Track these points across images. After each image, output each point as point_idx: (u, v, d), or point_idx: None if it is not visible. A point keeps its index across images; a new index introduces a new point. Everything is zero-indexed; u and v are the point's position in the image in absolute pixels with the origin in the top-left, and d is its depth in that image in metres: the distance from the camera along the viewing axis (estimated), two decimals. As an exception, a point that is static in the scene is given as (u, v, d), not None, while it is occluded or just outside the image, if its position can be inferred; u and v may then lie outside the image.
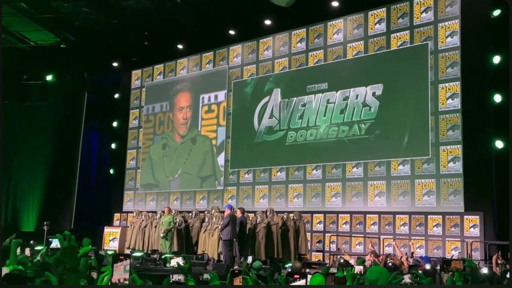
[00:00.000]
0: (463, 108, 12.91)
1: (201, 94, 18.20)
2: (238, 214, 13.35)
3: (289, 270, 7.18)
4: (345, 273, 4.43)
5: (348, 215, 14.43)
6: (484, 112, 12.68)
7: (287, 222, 13.64)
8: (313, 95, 15.40)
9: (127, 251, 15.76)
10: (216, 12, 15.83)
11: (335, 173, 14.80)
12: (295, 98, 15.79)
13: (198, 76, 18.48)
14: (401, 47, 14.14)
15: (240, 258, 12.89)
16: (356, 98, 14.60)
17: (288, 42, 16.27)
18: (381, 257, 11.43)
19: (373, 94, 14.32)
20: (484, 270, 7.49)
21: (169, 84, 19.18)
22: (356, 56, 14.92)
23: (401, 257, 11.04)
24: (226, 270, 10.69)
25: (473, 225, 12.41)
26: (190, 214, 15.35)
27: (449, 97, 13.16)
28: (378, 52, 14.50)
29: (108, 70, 20.06)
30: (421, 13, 13.91)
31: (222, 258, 13.12)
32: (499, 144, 12.40)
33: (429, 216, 13.13)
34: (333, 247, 14.07)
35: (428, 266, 8.34)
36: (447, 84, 13.25)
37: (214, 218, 13.90)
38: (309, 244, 14.22)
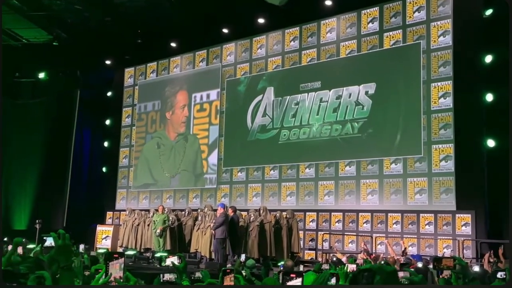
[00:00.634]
0: (455, 107, 12.97)
1: (193, 93, 18.20)
2: (230, 212, 13.38)
3: (281, 268, 7.20)
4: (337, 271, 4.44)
5: (341, 213, 14.48)
6: (476, 111, 12.75)
7: (280, 220, 13.66)
8: (306, 94, 15.43)
9: (120, 250, 15.74)
10: (209, 10, 15.81)
11: (328, 171, 14.84)
12: (288, 97, 15.81)
13: (191, 75, 18.46)
14: (393, 46, 14.19)
15: (233, 256, 12.91)
16: (349, 97, 14.64)
17: (282, 40, 16.29)
18: (373, 255, 11.49)
19: (366, 93, 14.37)
20: (476, 268, 7.55)
21: (162, 83, 19.15)
22: (349, 55, 14.95)
23: (395, 256, 11.09)
24: (219, 269, 10.72)
25: (464, 223, 12.48)
26: (183, 212, 15.34)
27: (441, 96, 13.22)
28: (371, 51, 14.54)
29: (101, 68, 19.99)
30: (414, 12, 13.96)
31: (214, 256, 13.13)
32: (491, 143, 12.47)
33: (421, 215, 13.19)
34: (326, 245, 14.12)
35: (420, 264, 8.39)
36: (439, 83, 13.31)
37: (207, 216, 13.89)
38: (301, 242, 14.26)
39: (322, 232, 14.37)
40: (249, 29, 16.68)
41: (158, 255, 12.48)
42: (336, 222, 14.53)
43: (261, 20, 16.20)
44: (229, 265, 11.00)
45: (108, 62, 19.56)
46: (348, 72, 14.92)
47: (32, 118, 20.86)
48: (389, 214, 13.66)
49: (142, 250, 15.05)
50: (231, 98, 17.18)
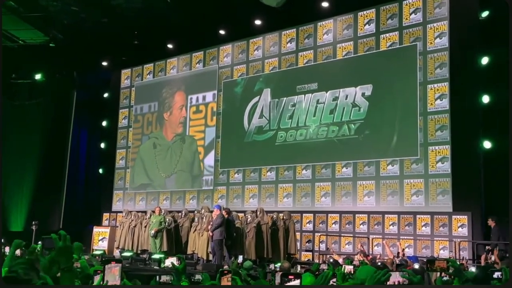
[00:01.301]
0: (451, 109, 13.01)
1: (190, 94, 18.21)
2: (224, 214, 13.31)
3: (278, 269, 7.21)
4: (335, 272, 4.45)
5: (338, 215, 14.49)
6: (472, 113, 12.78)
7: (277, 222, 13.66)
8: (303, 95, 15.45)
9: (116, 251, 15.72)
10: (206, 12, 15.81)
11: (324, 173, 14.86)
12: (285, 98, 15.82)
13: (188, 76, 18.46)
14: (390, 47, 14.23)
15: (230, 257, 12.90)
16: (346, 98, 14.66)
17: (278, 42, 16.31)
18: (369, 256, 11.51)
19: (363, 94, 14.39)
20: (472, 269, 7.56)
21: (159, 85, 19.14)
22: (345, 57, 14.98)
23: (392, 256, 11.11)
24: (216, 270, 10.71)
25: (461, 224, 12.51)
26: (180, 214, 15.33)
27: (438, 97, 13.26)
28: (367, 52, 14.57)
29: (98, 69, 19.97)
30: (410, 14, 14.00)
31: (211, 258, 13.12)
32: (487, 144, 12.51)
33: (417, 216, 13.22)
34: (323, 246, 14.13)
35: (416, 266, 8.40)
36: (435, 85, 13.35)
37: (204, 218, 13.88)
38: (298, 243, 14.25)
39: (319, 234, 14.38)
40: (246, 31, 16.69)
41: (155, 256, 12.48)
42: (332, 224, 14.55)
43: (258, 22, 16.22)
44: (225, 267, 11.00)
45: (104, 63, 19.54)
46: (344, 73, 14.95)
47: (29, 119, 20.79)
48: (386, 215, 13.69)
49: (138, 252, 15.03)
50: (228, 99, 17.18)
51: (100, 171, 20.21)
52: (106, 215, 19.30)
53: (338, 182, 14.58)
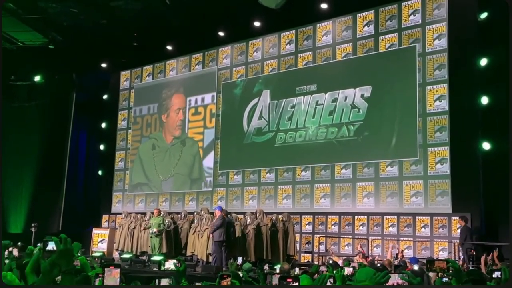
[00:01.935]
0: (450, 110, 13.02)
1: (189, 96, 18.22)
2: (224, 216, 13.28)
3: (274, 272, 7.21)
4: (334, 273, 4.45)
5: (337, 216, 14.50)
6: (471, 114, 12.79)
7: (276, 223, 13.66)
8: (302, 97, 15.46)
9: (116, 253, 15.72)
10: (205, 13, 15.82)
11: (324, 174, 14.86)
12: (284, 100, 15.83)
13: (187, 78, 18.47)
14: (389, 49, 14.24)
15: (229, 259, 12.89)
16: (345, 99, 14.67)
17: (277, 43, 16.32)
18: (369, 258, 11.51)
19: (362, 95, 14.40)
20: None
21: (158, 86, 19.15)
22: (344, 58, 14.99)
23: (391, 257, 11.12)
24: (216, 271, 10.71)
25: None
26: (179, 215, 15.32)
27: (437, 99, 13.27)
28: (366, 54, 14.59)
29: (97, 71, 20.00)
30: (409, 15, 14.01)
31: (211, 259, 13.12)
32: (486, 145, 12.52)
33: (417, 217, 13.22)
34: (322, 248, 14.13)
35: (416, 267, 8.41)
36: (434, 86, 13.36)
37: (203, 219, 13.88)
38: (298, 245, 14.25)
39: (318, 235, 14.38)
40: (245, 32, 16.69)
41: (154, 258, 12.46)
42: (332, 225, 14.55)
43: (257, 23, 16.22)
44: (225, 269, 11.01)
45: (104, 65, 19.55)
46: (344, 75, 14.96)
47: (28, 121, 20.80)
48: (385, 216, 13.69)
49: (138, 254, 15.02)
50: (227, 101, 17.19)
51: (99, 172, 20.22)
52: (105, 217, 19.30)
53: (337, 184, 14.59)
